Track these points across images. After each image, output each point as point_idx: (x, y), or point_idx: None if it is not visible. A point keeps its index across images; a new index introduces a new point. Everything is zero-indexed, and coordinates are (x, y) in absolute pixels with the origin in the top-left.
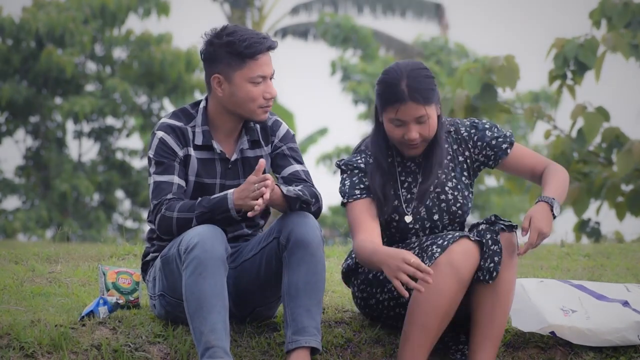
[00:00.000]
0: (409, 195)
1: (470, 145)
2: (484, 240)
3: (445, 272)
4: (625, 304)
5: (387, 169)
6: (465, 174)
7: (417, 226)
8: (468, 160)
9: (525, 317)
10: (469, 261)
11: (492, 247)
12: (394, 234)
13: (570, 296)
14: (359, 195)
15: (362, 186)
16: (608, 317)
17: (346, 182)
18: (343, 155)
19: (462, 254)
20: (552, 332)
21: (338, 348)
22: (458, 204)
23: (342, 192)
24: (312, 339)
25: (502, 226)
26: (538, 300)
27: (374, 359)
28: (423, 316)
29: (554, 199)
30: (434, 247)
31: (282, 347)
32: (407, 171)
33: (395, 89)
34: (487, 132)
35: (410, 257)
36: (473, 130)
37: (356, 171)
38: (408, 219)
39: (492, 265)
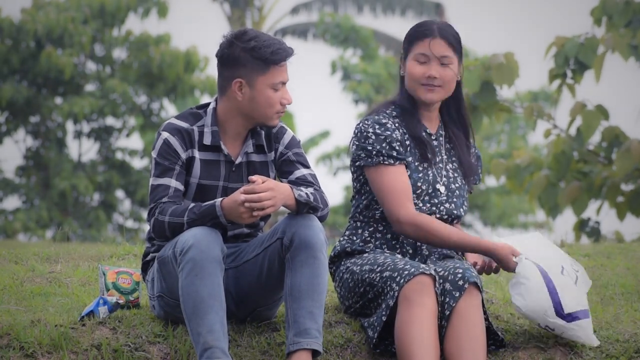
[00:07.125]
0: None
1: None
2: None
3: None
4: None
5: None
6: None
7: (443, 200)
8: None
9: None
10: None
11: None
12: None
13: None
14: (393, 161)
15: (395, 151)
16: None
17: (375, 144)
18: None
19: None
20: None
21: (338, 348)
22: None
23: (375, 153)
24: (313, 341)
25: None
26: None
27: (374, 358)
28: None
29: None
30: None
31: (282, 347)
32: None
33: (427, 26)
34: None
35: None
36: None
37: (387, 132)
38: (442, 188)
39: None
